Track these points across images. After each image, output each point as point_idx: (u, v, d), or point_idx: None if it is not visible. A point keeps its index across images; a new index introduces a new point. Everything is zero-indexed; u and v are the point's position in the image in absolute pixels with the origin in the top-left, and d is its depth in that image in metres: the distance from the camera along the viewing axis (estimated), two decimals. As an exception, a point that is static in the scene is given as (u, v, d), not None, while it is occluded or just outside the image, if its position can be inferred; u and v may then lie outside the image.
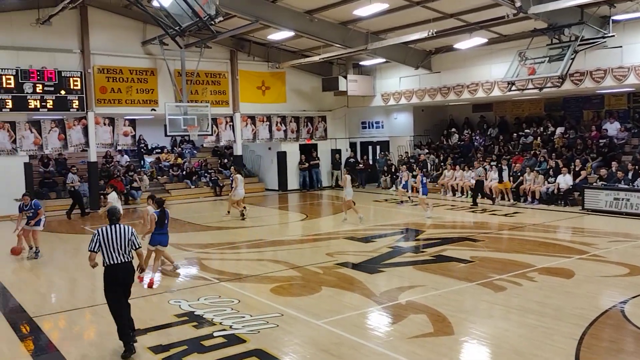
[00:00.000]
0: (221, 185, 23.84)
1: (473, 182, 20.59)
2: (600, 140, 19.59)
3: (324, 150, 26.31)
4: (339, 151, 26.51)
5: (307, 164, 25.42)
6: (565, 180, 18.08)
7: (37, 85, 18.99)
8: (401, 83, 23.70)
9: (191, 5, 15.54)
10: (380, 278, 9.87)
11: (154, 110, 21.51)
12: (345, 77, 23.92)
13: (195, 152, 26.91)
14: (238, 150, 24.08)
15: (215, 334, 7.09)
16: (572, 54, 16.20)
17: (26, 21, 18.24)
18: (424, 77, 22.72)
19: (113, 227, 6.80)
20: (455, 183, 21.36)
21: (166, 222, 10.16)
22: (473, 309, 8.01)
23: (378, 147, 27.80)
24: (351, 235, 13.99)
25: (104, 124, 20.83)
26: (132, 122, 21.70)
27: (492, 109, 25.02)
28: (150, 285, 9.55)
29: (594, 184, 17.35)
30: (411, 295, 8.62)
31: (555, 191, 18.17)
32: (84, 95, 19.92)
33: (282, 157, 25.29)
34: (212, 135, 22.80)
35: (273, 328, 7.27)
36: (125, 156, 24.23)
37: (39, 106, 19.08)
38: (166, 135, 21.68)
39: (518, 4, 14.22)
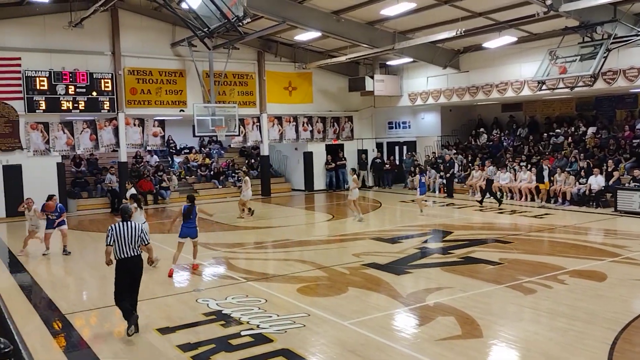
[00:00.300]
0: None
1: (502, 183, 20.38)
2: (634, 141, 19.14)
3: (351, 151, 26.27)
4: (365, 151, 26.45)
5: (333, 164, 25.43)
6: (597, 181, 17.71)
7: (70, 86, 19.42)
8: (429, 83, 23.52)
9: (219, 7, 15.68)
10: (407, 279, 9.81)
11: (183, 111, 21.79)
12: (372, 77, 23.86)
13: (222, 152, 27.17)
14: (265, 151, 24.21)
15: (242, 333, 7.14)
16: (605, 53, 15.83)
17: (59, 24, 18.66)
18: (452, 76, 22.51)
19: (125, 223, 7.37)
20: (484, 184, 21.07)
21: (192, 216, 10.72)
22: (502, 311, 7.90)
23: (405, 148, 27.64)
24: (378, 236, 13.94)
25: (134, 125, 21.18)
26: (162, 123, 22.03)
27: (521, 108, 24.64)
28: (170, 275, 10.28)
29: (627, 185, 16.95)
30: (439, 297, 8.55)
31: (587, 192, 17.81)
32: (115, 97, 20.29)
33: (308, 157, 25.34)
34: (239, 135, 22.99)
35: (300, 328, 7.28)
36: (155, 156, 24.60)
37: (71, 107, 19.51)
38: (194, 135, 21.96)
39: (549, 2, 13.97)
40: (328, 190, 25.33)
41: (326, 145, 25.73)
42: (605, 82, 17.31)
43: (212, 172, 24.70)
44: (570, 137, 21.28)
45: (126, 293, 7.34)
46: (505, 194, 20.37)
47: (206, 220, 17.66)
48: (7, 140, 18.63)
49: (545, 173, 18.57)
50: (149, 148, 22.59)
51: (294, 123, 24.77)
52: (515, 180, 20.18)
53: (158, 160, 24.41)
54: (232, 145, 25.77)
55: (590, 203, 17.76)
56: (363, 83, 23.87)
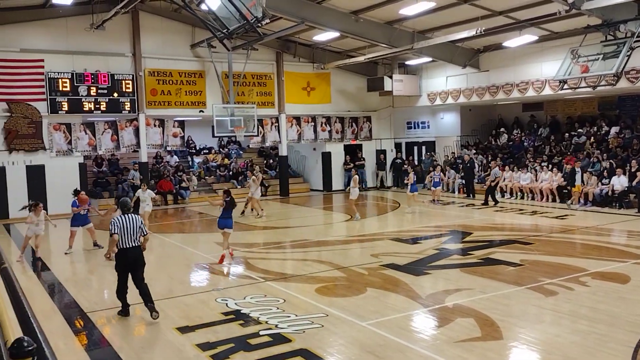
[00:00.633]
0: (266, 185, 24.09)
1: (523, 183, 20.20)
2: (659, 140, 18.79)
3: (369, 151, 26.21)
4: (383, 152, 26.37)
5: (352, 165, 25.40)
6: (620, 182, 17.42)
7: (91, 88, 19.69)
8: (448, 82, 23.37)
9: (239, 8, 15.76)
10: (426, 280, 9.75)
11: (202, 111, 21.95)
12: (391, 77, 23.78)
13: (241, 152, 27.31)
14: (283, 151, 24.28)
15: (261, 333, 7.16)
16: (628, 51, 15.55)
17: (81, 26, 18.92)
18: (472, 76, 22.34)
19: (126, 216, 8.01)
20: (504, 184, 20.90)
21: (230, 209, 11.71)
22: (522, 313, 7.81)
23: (424, 148, 27.49)
24: (397, 237, 13.88)
25: (154, 126, 21.40)
26: (181, 124, 22.22)
27: (543, 108, 24.35)
28: (221, 261, 11.22)
29: (652, 185, 16.65)
30: (458, 298, 8.48)
31: (610, 193, 17.54)
32: (136, 98, 20.52)
33: (326, 157, 25.35)
34: (257, 136, 23.09)
35: (318, 328, 7.29)
36: (175, 157, 24.82)
37: (93, 108, 19.77)
38: (213, 136, 22.11)
39: (570, 0, 13.79)
40: (346, 190, 25.28)
41: (345, 145, 25.71)
42: (628, 81, 17.02)
43: (231, 172, 24.84)
44: (592, 137, 20.98)
45: (127, 282, 7.99)
46: (526, 194, 20.17)
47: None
48: (30, 141, 18.95)
49: (578, 176, 18.13)
50: (169, 148, 22.80)
51: (313, 123, 24.79)
52: (537, 180, 19.96)
53: (178, 160, 24.63)
54: (250, 146, 25.89)
55: (613, 204, 17.49)
56: (382, 83, 23.80)
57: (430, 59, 22.55)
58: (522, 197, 20.23)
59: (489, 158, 23.12)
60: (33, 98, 18.93)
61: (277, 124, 23.98)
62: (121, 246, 7.88)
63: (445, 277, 9.92)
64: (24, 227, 12.55)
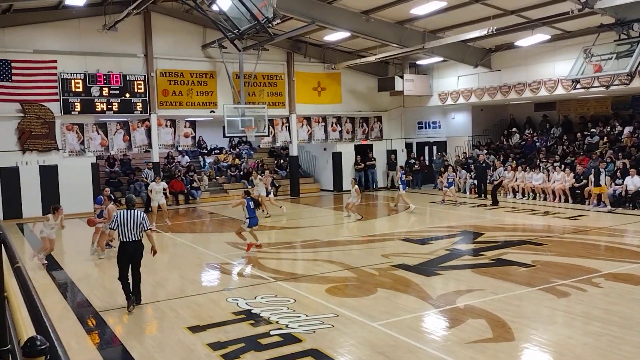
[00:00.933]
0: (277, 185, 24.13)
1: (535, 184, 20.07)
2: (673, 140, 18.58)
3: (380, 151, 26.16)
4: (394, 152, 26.31)
5: (362, 165, 25.36)
6: (634, 182, 17.25)
7: (104, 88, 19.83)
8: (459, 82, 23.27)
9: (249, 9, 15.81)
10: (437, 281, 9.72)
11: (213, 112, 22.03)
12: (402, 77, 23.71)
13: (252, 152, 27.37)
14: (294, 151, 24.30)
15: (271, 333, 7.18)
16: (642, 50, 15.42)
17: (93, 27, 19.05)
18: (484, 75, 22.23)
19: (129, 211, 8.44)
20: (516, 184, 20.77)
21: (253, 207, 12.57)
22: (534, 314, 7.76)
23: (435, 148, 27.40)
24: (407, 237, 13.85)
25: (166, 126, 21.50)
26: (192, 124, 22.31)
27: (555, 107, 24.17)
28: (248, 248, 12.24)
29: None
30: (469, 299, 8.44)
31: (623, 193, 17.37)
32: (147, 98, 20.64)
33: (337, 157, 25.34)
34: (268, 136, 23.12)
35: (328, 328, 7.29)
36: (186, 157, 24.93)
37: (105, 109, 19.91)
38: (224, 136, 22.18)
39: (583, -1, 13.68)
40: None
41: (355, 145, 25.68)
42: (642, 81, 16.84)
43: (241, 173, 24.91)
44: (605, 137, 20.79)
45: (127, 273, 8.41)
46: (538, 195, 20.03)
47: (235, 220, 17.83)
48: (43, 141, 19.12)
49: (602, 176, 17.73)
50: (180, 148, 22.90)
51: (323, 123, 24.79)
52: (549, 180, 19.81)
53: (189, 160, 24.74)
54: (261, 146, 25.94)
55: (627, 204, 17.31)
56: (392, 83, 23.74)
57: (441, 59, 22.47)
58: (534, 198, 20.08)
59: (501, 158, 22.99)
60: (46, 99, 19.10)
61: (287, 124, 24.01)
62: (121, 239, 8.38)
63: (457, 278, 9.87)
64: (37, 228, 12.42)
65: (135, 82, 20.36)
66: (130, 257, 8.41)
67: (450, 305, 8.17)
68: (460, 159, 24.69)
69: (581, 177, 18.80)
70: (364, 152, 25.71)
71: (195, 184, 22.69)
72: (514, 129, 24.81)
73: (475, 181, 22.09)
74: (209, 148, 26.95)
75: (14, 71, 18.54)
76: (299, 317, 7.79)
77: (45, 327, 1.79)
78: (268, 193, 18.59)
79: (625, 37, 15.85)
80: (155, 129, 21.05)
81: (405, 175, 19.85)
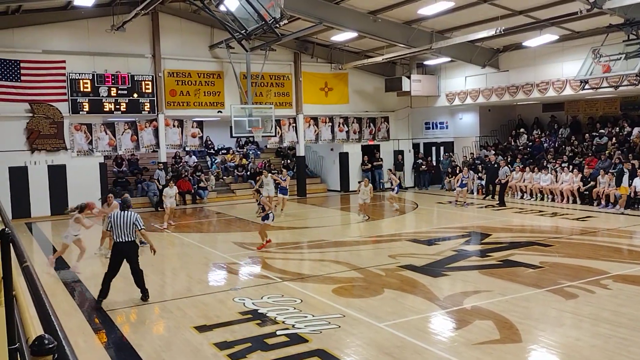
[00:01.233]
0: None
1: (543, 184, 19.97)
2: (683, 141, 18.43)
3: (387, 151, 26.12)
4: (401, 152, 26.26)
5: (369, 165, 25.33)
6: (643, 183, 17.13)
7: (112, 89, 19.92)
8: (467, 82, 23.20)
9: (257, 9, 15.84)
10: (444, 282, 9.69)
11: (221, 112, 22.07)
12: (409, 77, 23.67)
13: (259, 152, 27.40)
14: (301, 151, 24.31)
15: (278, 333, 7.18)
16: (652, 50, 15.33)
17: (102, 28, 19.14)
18: (491, 76, 22.15)
19: (123, 212, 8.67)
20: (524, 185, 20.67)
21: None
22: (542, 316, 7.72)
23: (442, 148, 27.33)
24: (414, 238, 13.81)
25: (174, 126, 21.57)
26: (200, 124, 22.37)
27: (563, 108, 24.05)
28: (260, 247, 12.49)
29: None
30: (476, 300, 8.41)
31: (632, 195, 17.24)
32: (155, 98, 20.71)
33: (344, 158, 25.32)
34: (275, 136, 23.15)
35: (335, 329, 7.28)
36: (193, 157, 25.00)
37: (113, 109, 20.00)
38: (232, 136, 22.21)
39: (592, -1, 13.61)
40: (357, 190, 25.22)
41: (362, 145, 25.66)
42: (651, 81, 16.71)
43: (248, 173, 24.94)
44: (614, 138, 20.66)
45: (115, 273, 8.65)
46: (546, 196, 19.93)
47: (242, 219, 17.89)
48: (52, 141, 19.22)
49: (625, 177, 17.58)
50: (187, 148, 22.97)
51: (330, 124, 24.79)
52: (557, 181, 19.72)
53: (196, 160, 24.81)
54: (268, 146, 25.97)
55: (636, 206, 17.19)
56: (400, 83, 23.70)
57: (449, 59, 22.42)
58: (542, 199, 19.99)
59: (509, 159, 22.88)
60: (55, 99, 19.21)
61: (294, 125, 24.02)
62: (115, 240, 8.64)
63: (464, 279, 9.84)
64: (60, 229, 12.22)
65: (143, 82, 20.44)
66: (124, 257, 8.65)
67: (457, 307, 8.14)
68: (468, 159, 24.61)
69: (588, 179, 18.69)
70: (371, 153, 25.68)
71: (202, 184, 22.74)
72: (522, 130, 24.71)
73: (483, 182, 21.98)
74: (216, 148, 27.00)
75: (22, 71, 18.66)
76: (306, 317, 7.79)
77: (53, 326, 1.80)
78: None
79: (635, 37, 15.77)
80: (162, 129, 21.11)
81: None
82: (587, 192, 18.59)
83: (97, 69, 19.75)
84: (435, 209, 19.64)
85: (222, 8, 17.21)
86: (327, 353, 6.48)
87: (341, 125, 25.00)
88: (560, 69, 19.53)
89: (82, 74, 19.48)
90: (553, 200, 19.61)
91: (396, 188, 18.58)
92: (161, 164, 21.23)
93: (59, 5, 18.77)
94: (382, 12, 18.37)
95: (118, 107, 20.06)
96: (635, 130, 20.31)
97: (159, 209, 19.60)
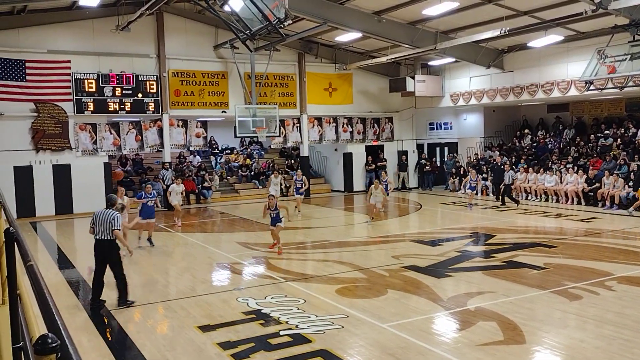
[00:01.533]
0: (287, 185, 24.14)
1: (548, 185, 19.91)
2: (688, 142, 18.34)
3: (391, 152, 26.10)
4: (405, 152, 26.24)
5: (373, 165, 25.32)
6: (648, 185, 17.05)
7: (117, 88, 19.97)
8: (471, 83, 23.16)
9: (261, 10, 15.86)
10: (447, 282, 9.67)
11: (225, 112, 22.10)
12: (413, 78, 23.66)
13: (263, 153, 27.43)
14: (305, 152, 24.32)
15: (281, 333, 7.18)
16: (657, 51, 15.28)
17: (107, 28, 19.21)
18: (496, 76, 22.10)
19: (104, 210, 8.60)
20: (529, 186, 20.62)
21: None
22: (546, 317, 7.70)
23: (446, 149, 27.29)
24: (418, 238, 13.80)
25: (178, 126, 21.62)
26: (204, 124, 22.41)
27: (568, 109, 23.98)
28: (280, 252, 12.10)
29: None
30: (480, 301, 8.39)
31: (638, 196, 17.17)
32: (160, 98, 20.76)
33: (348, 158, 25.32)
34: (279, 136, 23.16)
35: (338, 329, 7.28)
36: (198, 157, 25.04)
37: (118, 109, 20.05)
38: (236, 136, 22.24)
39: (597, 0, 13.55)
40: (368, 191, 25.20)
41: (366, 146, 25.64)
42: (657, 82, 16.65)
43: (252, 173, 24.97)
44: (619, 139, 20.58)
45: (101, 273, 8.49)
46: (550, 197, 19.88)
47: (246, 219, 17.91)
48: (57, 141, 19.29)
49: None
50: (191, 148, 23.01)
51: (334, 124, 24.79)
52: (562, 182, 19.66)
53: (200, 160, 24.85)
54: (272, 146, 26.00)
55: (641, 207, 17.11)
56: (404, 83, 23.68)
57: (453, 60, 22.38)
58: (547, 200, 19.94)
59: (513, 160, 22.83)
60: (60, 98, 19.28)
61: (298, 125, 24.03)
62: (95, 237, 8.60)
63: (468, 280, 9.82)
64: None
65: (147, 82, 20.49)
66: (103, 256, 8.50)
67: (460, 307, 8.12)
68: (472, 160, 24.57)
69: (593, 180, 18.63)
70: (374, 153, 25.67)
71: (206, 184, 22.78)
72: (527, 131, 24.65)
73: (487, 182, 21.92)
74: (220, 148, 27.03)
75: (28, 71, 18.73)
76: (309, 317, 7.79)
77: (56, 325, 1.80)
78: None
79: (640, 38, 15.72)
80: (167, 129, 21.16)
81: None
82: (592, 194, 18.53)
83: (101, 68, 19.81)
84: (439, 209, 19.61)
85: (226, 8, 17.25)
86: (331, 353, 6.47)
87: (345, 126, 25.00)
88: (565, 70, 19.48)
89: (87, 73, 19.54)
90: (557, 201, 19.55)
91: (387, 191, 18.22)
92: (167, 164, 21.22)
93: (64, 5, 18.83)
94: (387, 12, 18.36)
95: (123, 107, 20.11)
96: (641, 132, 20.24)
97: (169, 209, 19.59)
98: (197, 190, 22.31)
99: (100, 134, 20.24)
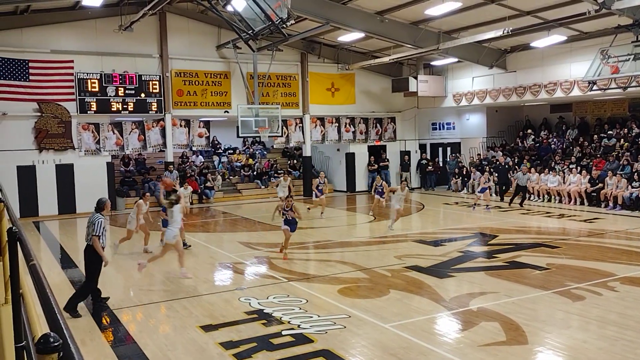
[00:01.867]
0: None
1: (551, 186, 19.88)
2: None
3: (393, 152, 26.08)
4: (408, 153, 26.21)
5: (376, 166, 25.30)
6: (651, 185, 17.02)
7: (119, 88, 20.00)
8: (474, 83, 23.14)
9: (264, 10, 15.86)
10: (450, 283, 9.66)
11: (227, 112, 22.12)
12: (416, 78, 23.64)
13: (265, 153, 27.43)
14: (307, 152, 24.32)
15: (283, 333, 7.18)
16: (661, 51, 15.23)
17: (109, 28, 19.23)
18: (499, 76, 22.07)
19: (92, 214, 8.39)
20: (531, 186, 20.57)
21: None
22: (549, 318, 7.68)
23: (449, 149, 27.25)
24: (420, 239, 13.79)
25: (180, 126, 21.63)
26: (207, 124, 22.42)
27: (571, 109, 23.94)
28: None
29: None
30: (482, 301, 8.39)
31: (640, 196, 17.15)
32: (162, 98, 20.78)
33: (350, 158, 25.31)
34: (282, 136, 23.16)
35: (340, 329, 7.28)
36: (200, 156, 25.06)
37: (120, 109, 20.08)
38: (238, 136, 22.25)
39: (600, 0, 13.52)
40: (370, 191, 25.20)
41: (369, 146, 25.63)
42: (660, 82, 16.61)
43: (255, 173, 24.98)
44: (622, 139, 20.54)
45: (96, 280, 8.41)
46: (553, 197, 19.84)
47: (248, 219, 17.91)
48: (60, 140, 19.33)
49: None
50: (194, 148, 23.03)
51: (337, 124, 24.78)
52: (564, 183, 19.62)
53: (203, 160, 24.87)
54: (274, 146, 26.00)
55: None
56: (406, 84, 23.66)
57: (456, 60, 22.35)
58: (550, 200, 19.90)
59: (516, 160, 22.79)
60: (63, 98, 19.31)
61: (301, 125, 24.03)
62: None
63: (470, 280, 9.81)
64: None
65: (150, 82, 20.51)
66: (84, 259, 8.45)
67: (463, 308, 8.12)
68: (475, 160, 24.54)
69: (596, 181, 18.58)
70: (377, 153, 25.65)
71: (209, 184, 22.79)
72: (529, 131, 24.61)
73: (493, 183, 21.85)
74: (223, 148, 27.05)
75: (31, 71, 18.77)
76: (311, 317, 7.79)
77: (58, 324, 1.81)
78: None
79: (643, 38, 15.68)
80: (169, 128, 21.18)
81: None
82: (595, 194, 18.49)
83: (104, 68, 19.84)
84: (442, 209, 19.58)
85: (229, 8, 17.25)
86: (333, 353, 6.47)
87: (348, 126, 24.99)
88: (568, 70, 19.44)
89: (89, 73, 19.57)
90: (560, 201, 19.52)
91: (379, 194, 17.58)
92: (171, 166, 21.06)
93: (67, 5, 18.86)
94: (389, 12, 18.35)
95: (125, 106, 20.14)
96: (644, 132, 20.19)
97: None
98: (199, 190, 22.33)
99: (103, 134, 20.26)
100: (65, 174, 19.31)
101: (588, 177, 18.95)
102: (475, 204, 19.01)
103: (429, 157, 26.79)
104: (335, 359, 6.35)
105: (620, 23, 15.84)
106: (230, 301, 8.76)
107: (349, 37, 20.94)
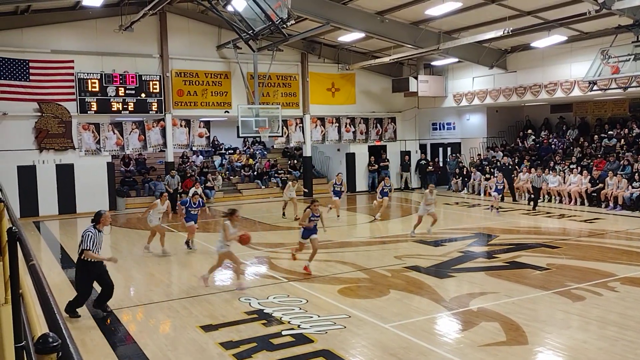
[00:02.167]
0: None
1: (551, 186, 19.86)
2: (692, 143, 18.28)
3: (393, 152, 26.07)
4: (408, 153, 26.21)
5: (376, 166, 25.30)
6: (652, 185, 17.01)
7: (120, 88, 20.00)
8: (474, 83, 23.13)
9: (264, 10, 15.86)
10: (450, 283, 9.66)
11: (227, 112, 22.12)
12: (416, 78, 23.63)
13: (265, 153, 27.43)
14: (307, 152, 24.31)
15: (283, 333, 7.18)
16: (661, 51, 15.22)
17: (110, 28, 19.22)
18: (499, 76, 22.07)
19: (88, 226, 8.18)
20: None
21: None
22: (549, 318, 7.68)
23: (449, 149, 27.25)
24: (420, 239, 13.78)
25: (181, 126, 21.63)
26: (207, 124, 22.42)
27: (571, 109, 23.94)
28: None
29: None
30: (483, 301, 8.38)
31: (641, 197, 17.14)
32: (163, 98, 20.78)
33: (350, 158, 25.31)
34: (282, 136, 23.16)
35: (340, 329, 7.28)
36: (200, 156, 25.06)
37: (121, 109, 20.08)
38: (238, 136, 22.25)
39: (601, 0, 13.52)
40: (370, 191, 25.21)
41: (369, 146, 25.63)
42: (661, 82, 16.60)
43: (255, 173, 24.98)
44: (622, 139, 20.53)
45: (91, 287, 8.24)
46: (553, 197, 19.83)
47: (249, 219, 17.90)
48: (60, 140, 19.33)
49: None
50: (194, 148, 23.03)
51: (337, 124, 24.78)
52: (565, 183, 19.60)
53: (203, 160, 24.87)
54: (275, 146, 26.00)
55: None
56: (407, 84, 23.66)
57: (456, 60, 22.35)
58: (550, 200, 19.89)
59: (516, 160, 22.78)
60: (63, 98, 19.31)
61: (301, 125, 24.03)
62: None
63: (470, 280, 9.81)
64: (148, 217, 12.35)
65: (150, 82, 20.52)
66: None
67: (463, 308, 8.11)
68: (475, 160, 24.53)
69: (597, 181, 18.57)
70: (377, 153, 25.65)
71: (209, 184, 22.79)
72: (530, 131, 24.60)
73: (490, 183, 21.85)
74: (224, 148, 27.04)
75: (31, 71, 18.78)
76: (311, 317, 7.79)
77: (58, 324, 1.81)
78: None
79: (644, 38, 15.67)
80: (170, 128, 21.18)
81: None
82: (595, 194, 18.48)
83: (105, 68, 19.84)
84: (442, 210, 19.56)
85: (229, 8, 17.25)
86: (333, 353, 6.47)
87: (348, 126, 24.99)
88: (569, 70, 19.44)
89: (90, 73, 19.58)
90: (561, 201, 19.51)
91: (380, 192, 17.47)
92: (173, 171, 20.33)
93: (67, 5, 18.87)
94: (390, 12, 18.35)
95: (126, 106, 20.14)
96: (644, 132, 20.18)
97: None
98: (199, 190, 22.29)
99: (104, 134, 20.26)
100: (65, 174, 19.32)
101: (588, 177, 18.94)
102: (492, 206, 18.04)
103: (429, 157, 26.78)
104: (335, 359, 6.34)
105: (621, 23, 15.84)
106: (230, 301, 8.76)
107: (349, 37, 20.93)
